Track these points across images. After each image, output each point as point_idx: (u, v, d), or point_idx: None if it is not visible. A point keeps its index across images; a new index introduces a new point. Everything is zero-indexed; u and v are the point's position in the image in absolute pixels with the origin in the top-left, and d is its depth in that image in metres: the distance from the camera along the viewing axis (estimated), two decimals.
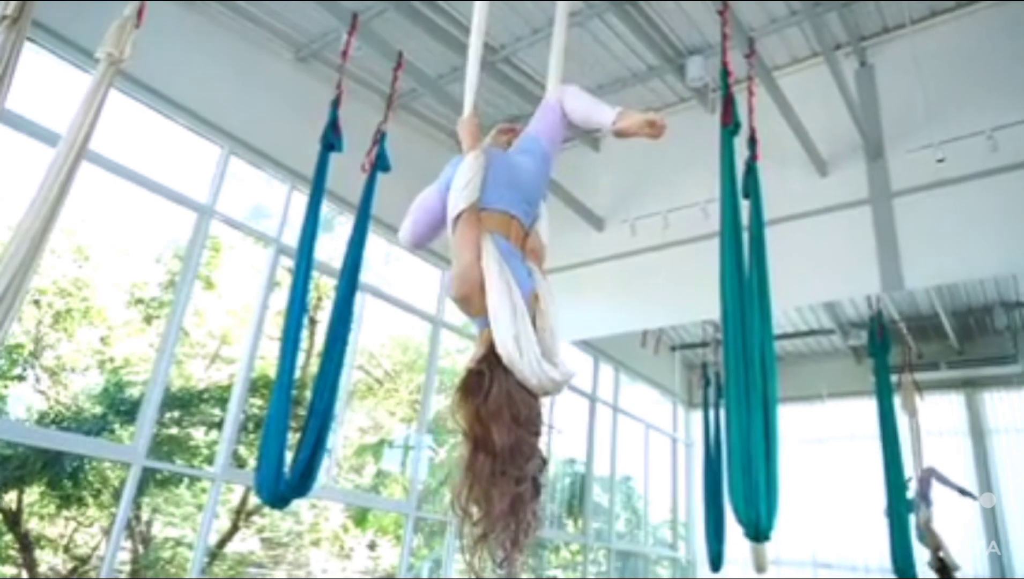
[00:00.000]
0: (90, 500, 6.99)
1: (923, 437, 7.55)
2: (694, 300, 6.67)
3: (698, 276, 6.18)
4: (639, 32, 6.27)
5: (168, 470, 6.88)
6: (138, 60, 4.09)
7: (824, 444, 9.30)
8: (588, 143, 7.95)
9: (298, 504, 7.04)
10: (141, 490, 6.70)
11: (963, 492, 7.42)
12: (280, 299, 6.16)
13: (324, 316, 6.18)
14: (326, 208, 5.57)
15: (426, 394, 7.68)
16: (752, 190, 4.33)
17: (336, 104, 5.04)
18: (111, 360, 7.29)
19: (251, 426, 7.15)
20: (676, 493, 10.72)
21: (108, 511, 6.88)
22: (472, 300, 1.90)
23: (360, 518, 9.14)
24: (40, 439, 5.63)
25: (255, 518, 8.51)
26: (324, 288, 7.84)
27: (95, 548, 7.17)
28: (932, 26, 6.18)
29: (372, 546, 9.38)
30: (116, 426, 6.82)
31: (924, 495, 7.25)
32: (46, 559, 7.00)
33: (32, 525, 6.88)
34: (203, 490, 7.01)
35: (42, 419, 6.61)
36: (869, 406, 7.25)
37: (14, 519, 6.65)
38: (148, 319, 7.48)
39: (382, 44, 5.94)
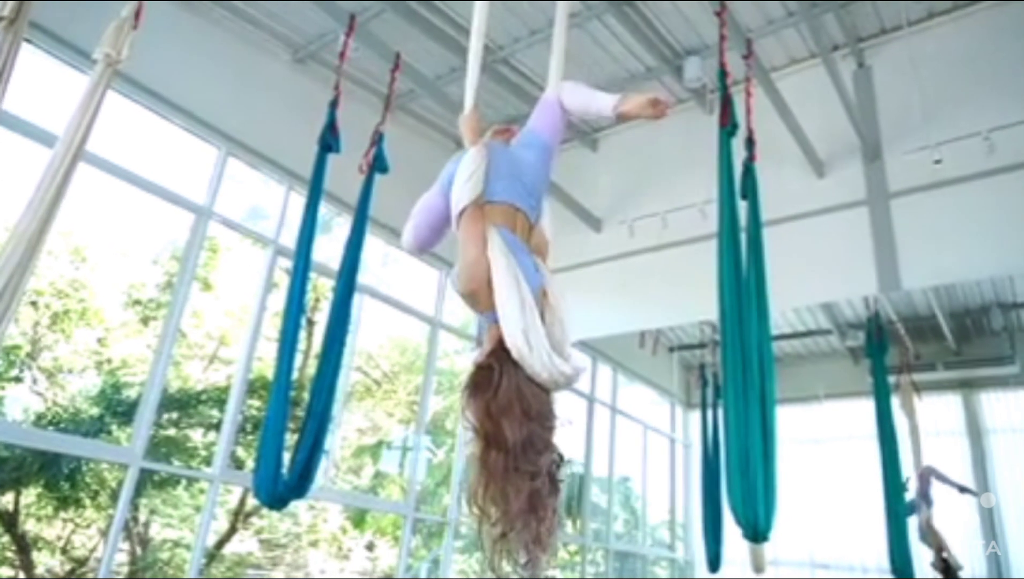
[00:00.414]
0: (87, 502, 6.97)
1: (922, 437, 7.55)
2: (692, 301, 6.67)
3: (696, 277, 6.19)
4: (637, 33, 6.27)
5: (166, 471, 6.88)
6: (135, 61, 4.09)
7: (821, 445, 9.30)
8: (586, 144, 7.96)
9: (296, 505, 7.03)
10: (139, 491, 6.70)
11: (963, 489, 7.42)
12: (278, 300, 6.15)
13: (322, 317, 6.18)
14: (324, 209, 5.56)
15: (424, 395, 7.67)
16: (750, 191, 4.34)
17: (334, 105, 5.03)
18: (108, 361, 7.28)
19: (249, 427, 7.14)
20: (674, 494, 10.72)
21: (106, 512, 6.87)
22: (479, 295, 1.87)
23: (358, 519, 9.14)
24: (37, 440, 5.63)
25: (253, 519, 8.51)
26: (322, 289, 7.83)
27: (92, 550, 7.16)
28: (929, 27, 6.19)
29: (370, 547, 9.38)
30: (113, 427, 6.81)
31: (925, 494, 7.25)
32: (43, 561, 6.99)
33: (29, 527, 6.87)
34: (201, 491, 7.00)
35: (39, 420, 6.60)
36: (867, 407, 7.25)
37: (11, 521, 6.64)
38: (145, 320, 7.48)
39: (380, 45, 5.93)
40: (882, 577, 7.46)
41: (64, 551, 7.12)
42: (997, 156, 5.38)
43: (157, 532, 7.77)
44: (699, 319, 7.91)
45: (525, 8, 6.17)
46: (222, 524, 8.05)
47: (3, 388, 6.64)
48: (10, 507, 6.64)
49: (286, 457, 4.36)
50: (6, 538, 6.69)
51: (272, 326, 6.32)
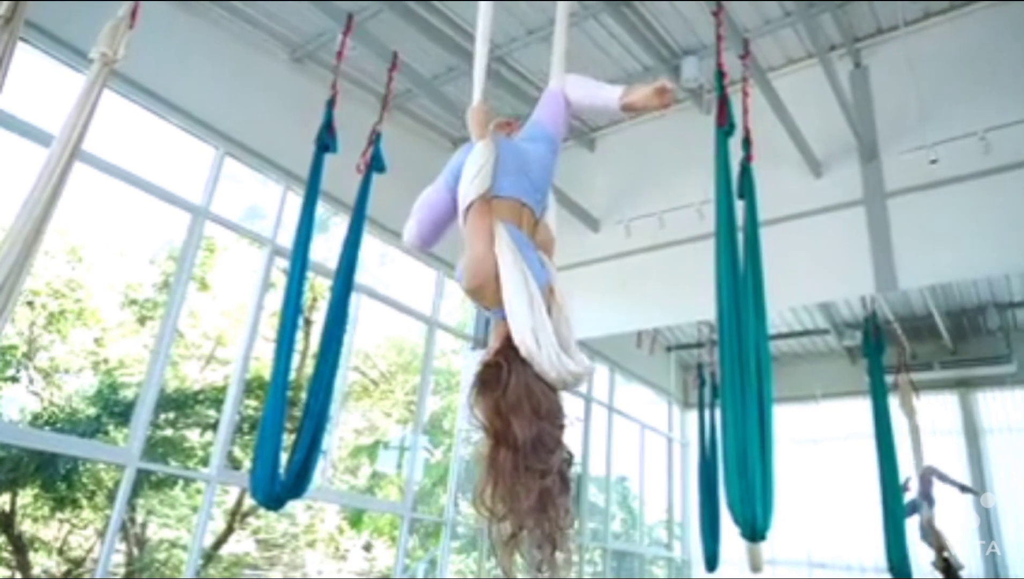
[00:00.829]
0: (84, 502, 6.96)
1: (926, 437, 7.56)
2: (689, 301, 6.68)
3: (693, 277, 6.21)
4: (634, 33, 6.27)
5: (163, 472, 6.87)
6: (132, 60, 4.08)
7: (819, 444, 9.32)
8: (584, 144, 7.96)
9: (293, 505, 7.02)
10: (136, 492, 6.69)
11: (964, 489, 7.43)
12: (275, 300, 6.14)
13: (319, 317, 6.17)
14: (321, 209, 5.56)
15: (421, 395, 7.67)
16: (747, 191, 4.34)
17: (331, 105, 5.03)
18: (105, 361, 7.27)
19: (246, 427, 7.13)
20: (671, 493, 10.73)
21: (102, 513, 6.85)
22: (485, 291, 1.84)
23: (356, 519, 9.13)
24: (34, 441, 5.61)
25: (250, 520, 8.49)
26: (319, 289, 7.82)
27: (89, 550, 7.15)
28: (926, 27, 6.21)
29: (368, 547, 9.37)
30: (110, 428, 6.80)
31: (927, 494, 7.25)
32: (40, 561, 6.97)
33: (25, 527, 6.85)
34: (198, 492, 6.98)
35: (36, 421, 6.59)
36: (864, 406, 7.26)
37: (7, 521, 6.62)
38: (142, 320, 7.46)
39: (377, 45, 5.93)
40: (879, 576, 7.47)
41: (61, 552, 7.11)
42: (993, 156, 5.40)
43: (154, 532, 7.75)
44: (696, 319, 7.92)
45: (521, 7, 6.17)
46: (219, 524, 8.04)
47: (0, 388, 6.62)
48: (6, 507, 6.62)
49: (283, 457, 4.36)
50: (2, 539, 6.67)
51: (269, 326, 6.32)
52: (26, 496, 6.76)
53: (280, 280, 6.05)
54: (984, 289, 8.02)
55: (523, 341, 1.73)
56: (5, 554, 6.70)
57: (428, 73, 6.90)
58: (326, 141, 4.93)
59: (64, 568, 7.08)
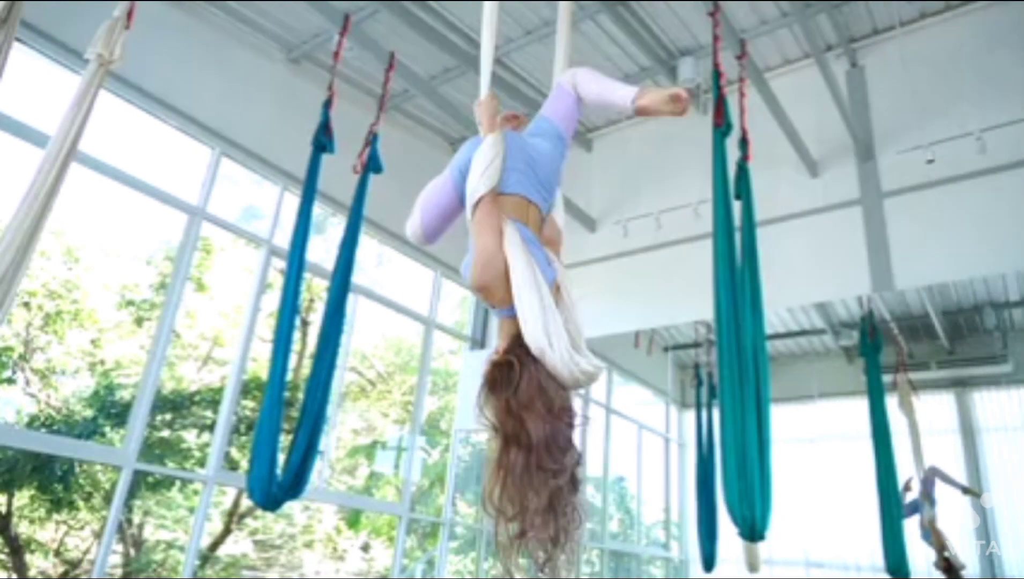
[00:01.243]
0: (81, 503, 6.94)
1: (923, 436, 7.57)
2: (686, 301, 6.69)
3: (690, 277, 6.22)
4: (631, 33, 6.28)
5: (160, 473, 6.85)
6: (128, 61, 4.07)
7: (815, 444, 9.32)
8: (581, 144, 7.97)
9: (291, 506, 7.01)
10: (132, 493, 6.67)
11: (966, 490, 7.43)
12: (272, 301, 6.15)
13: (316, 318, 6.16)
14: (318, 209, 5.57)
15: (419, 395, 7.67)
16: (744, 191, 4.35)
17: (328, 105, 5.03)
18: (102, 362, 7.24)
19: (243, 428, 7.12)
20: (669, 493, 10.73)
21: (99, 514, 6.84)
22: (493, 289, 1.80)
23: (353, 520, 9.12)
24: (30, 442, 5.60)
25: (248, 520, 8.48)
26: (316, 290, 7.81)
27: (86, 551, 7.13)
28: (922, 28, 6.23)
29: (365, 548, 9.35)
30: (107, 429, 6.78)
31: (928, 495, 7.25)
32: (36, 563, 6.95)
33: (22, 529, 6.83)
34: (195, 493, 6.97)
35: (32, 422, 6.57)
36: (861, 406, 7.27)
37: (4, 523, 6.60)
38: (139, 321, 7.44)
39: (374, 45, 5.93)
40: (876, 576, 7.48)
41: (57, 553, 7.09)
42: (989, 156, 5.41)
43: (151, 533, 7.73)
44: (694, 319, 7.92)
45: (518, 8, 6.17)
46: (216, 525, 8.02)
47: None
48: (3, 509, 6.60)
49: (281, 458, 4.36)
50: None
51: (266, 327, 6.31)
52: (22, 498, 6.74)
53: (277, 281, 6.05)
54: (980, 289, 8.04)
55: (535, 340, 1.70)
56: (1, 556, 6.68)
57: (425, 74, 6.90)
58: (323, 142, 4.93)
59: (61, 570, 7.06)
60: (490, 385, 1.71)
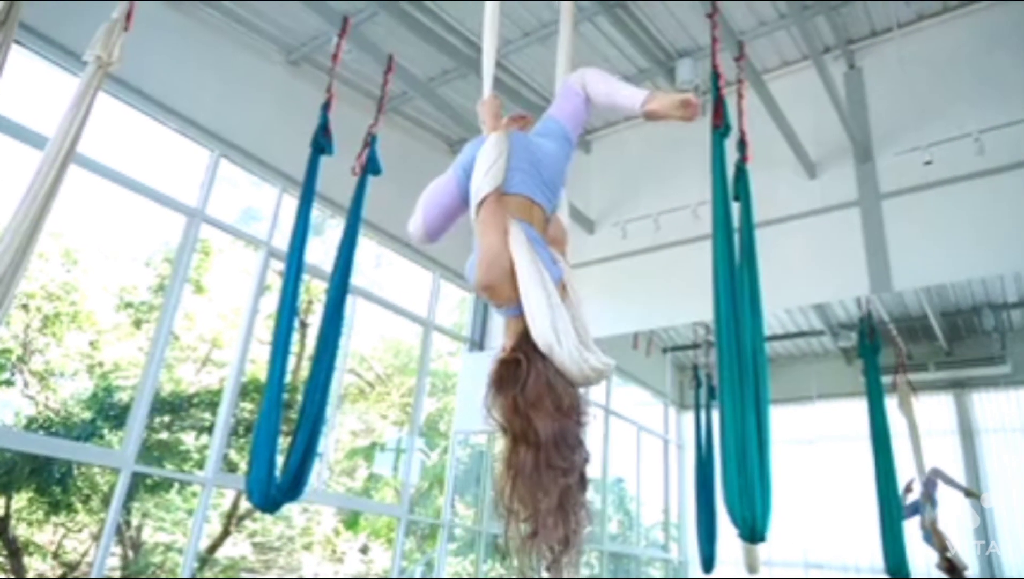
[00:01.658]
0: (79, 506, 6.93)
1: (922, 437, 7.57)
2: (685, 302, 6.69)
3: (689, 278, 6.22)
4: (629, 35, 6.29)
5: (158, 475, 6.84)
6: (127, 63, 4.07)
7: (814, 445, 9.32)
8: (580, 145, 7.95)
9: (289, 508, 7.01)
10: (131, 495, 6.66)
11: (968, 493, 7.43)
12: (271, 302, 6.15)
13: (315, 320, 6.16)
14: (316, 211, 5.56)
15: (418, 397, 7.67)
16: (742, 192, 4.35)
17: (326, 107, 5.02)
18: (100, 365, 7.23)
19: (242, 430, 7.11)
20: (668, 495, 10.73)
21: (97, 517, 6.83)
22: (499, 288, 1.78)
23: (352, 522, 9.11)
24: (28, 444, 5.59)
25: (246, 522, 8.47)
26: (315, 291, 7.81)
27: (84, 554, 7.12)
28: (919, 29, 6.23)
29: (364, 550, 9.34)
30: (105, 431, 6.77)
31: (930, 496, 7.25)
32: (34, 565, 6.94)
33: (20, 531, 6.82)
34: (194, 495, 6.97)
35: (30, 424, 6.56)
36: (860, 407, 7.27)
37: (2, 525, 6.59)
38: (138, 323, 7.43)
39: (372, 47, 5.93)
40: (876, 577, 7.48)
41: (55, 555, 7.08)
42: (987, 157, 5.42)
43: (149, 536, 7.72)
44: (692, 320, 7.92)
45: (516, 10, 6.18)
46: (215, 527, 8.01)
47: None
48: (1, 511, 6.59)
49: (279, 460, 4.35)
50: None
51: (265, 328, 6.30)
52: (21, 500, 6.73)
53: (276, 282, 6.05)
54: (979, 290, 8.05)
55: (543, 337, 1.68)
56: (0, 558, 6.67)
57: (423, 76, 6.90)
58: (322, 143, 4.92)
59: (59, 572, 7.05)
60: (497, 383, 1.69)
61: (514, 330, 1.78)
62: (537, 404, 1.62)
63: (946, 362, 8.85)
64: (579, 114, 2.29)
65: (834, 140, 6.25)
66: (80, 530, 7.18)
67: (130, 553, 7.51)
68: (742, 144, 4.50)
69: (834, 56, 6.53)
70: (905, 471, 7.18)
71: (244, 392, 6.79)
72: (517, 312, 1.78)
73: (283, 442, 4.47)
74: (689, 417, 9.50)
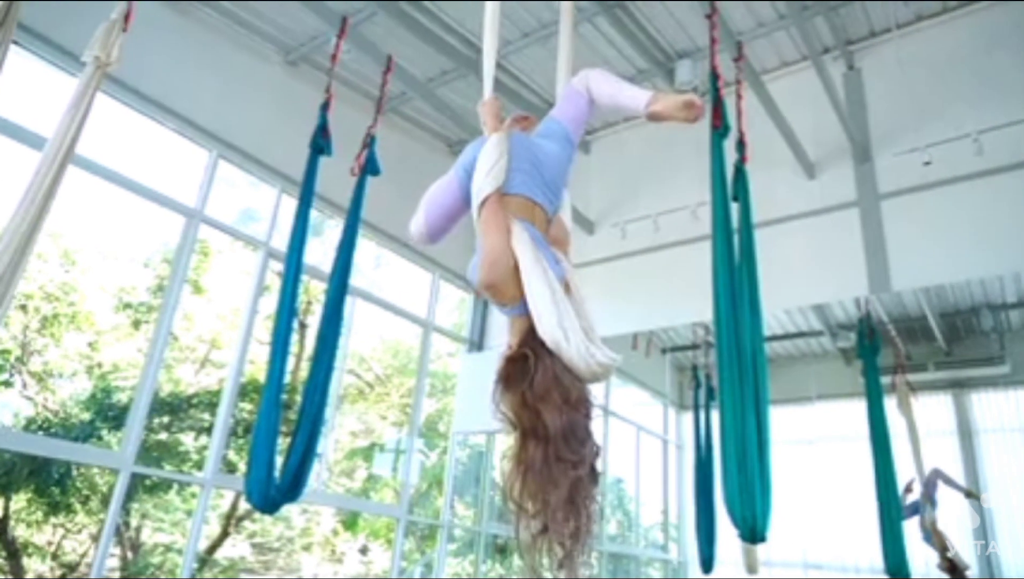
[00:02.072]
0: (78, 507, 6.92)
1: (921, 438, 7.57)
2: (684, 302, 6.69)
3: (688, 278, 6.22)
4: (628, 36, 6.29)
5: (157, 476, 6.84)
6: (125, 63, 4.07)
7: (813, 445, 9.32)
8: (579, 146, 7.96)
9: (289, 509, 7.00)
10: (130, 496, 6.66)
11: (969, 493, 7.43)
12: (270, 303, 6.14)
13: (314, 320, 6.16)
14: (316, 212, 5.56)
15: (417, 397, 7.67)
16: (741, 193, 4.36)
17: (325, 108, 5.03)
18: (99, 365, 7.23)
19: (241, 431, 7.11)
20: (667, 495, 10.73)
21: (97, 517, 6.82)
22: (502, 287, 1.79)
23: (351, 522, 9.10)
24: (27, 445, 5.59)
25: (246, 523, 8.46)
26: (314, 292, 7.81)
27: (83, 555, 7.11)
28: (918, 30, 6.24)
29: (363, 550, 9.34)
30: (104, 432, 6.76)
31: (930, 497, 7.25)
32: (33, 566, 6.93)
33: (19, 532, 6.81)
34: (193, 495, 6.96)
35: (29, 425, 6.55)
36: (859, 407, 7.27)
37: (1, 526, 6.58)
38: (136, 324, 7.43)
39: (371, 48, 5.93)
40: (876, 577, 7.48)
41: (55, 556, 7.07)
42: (986, 157, 5.42)
43: (148, 537, 7.71)
44: (692, 320, 7.92)
45: (516, 11, 6.18)
46: (214, 528, 8.01)
47: None
48: (0, 512, 6.59)
49: (279, 461, 4.35)
50: None
51: (264, 329, 6.30)
52: (19, 501, 6.73)
53: (275, 283, 6.05)
54: (978, 290, 8.05)
55: (550, 333, 1.69)
56: None
57: (422, 76, 6.90)
58: (320, 144, 4.93)
59: (58, 573, 7.04)
60: (505, 380, 1.70)
61: (519, 328, 1.79)
62: (545, 398, 1.62)
63: (945, 362, 8.85)
64: (581, 116, 2.29)
65: (833, 140, 6.26)
66: (79, 531, 7.17)
67: (129, 554, 7.50)
68: (741, 145, 4.50)
69: (833, 57, 6.53)
70: (905, 471, 7.18)
71: (243, 393, 6.79)
72: (521, 311, 1.79)
73: (282, 443, 4.47)
74: (689, 417, 9.50)
